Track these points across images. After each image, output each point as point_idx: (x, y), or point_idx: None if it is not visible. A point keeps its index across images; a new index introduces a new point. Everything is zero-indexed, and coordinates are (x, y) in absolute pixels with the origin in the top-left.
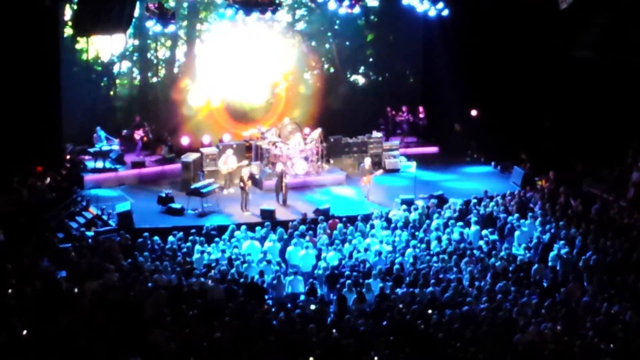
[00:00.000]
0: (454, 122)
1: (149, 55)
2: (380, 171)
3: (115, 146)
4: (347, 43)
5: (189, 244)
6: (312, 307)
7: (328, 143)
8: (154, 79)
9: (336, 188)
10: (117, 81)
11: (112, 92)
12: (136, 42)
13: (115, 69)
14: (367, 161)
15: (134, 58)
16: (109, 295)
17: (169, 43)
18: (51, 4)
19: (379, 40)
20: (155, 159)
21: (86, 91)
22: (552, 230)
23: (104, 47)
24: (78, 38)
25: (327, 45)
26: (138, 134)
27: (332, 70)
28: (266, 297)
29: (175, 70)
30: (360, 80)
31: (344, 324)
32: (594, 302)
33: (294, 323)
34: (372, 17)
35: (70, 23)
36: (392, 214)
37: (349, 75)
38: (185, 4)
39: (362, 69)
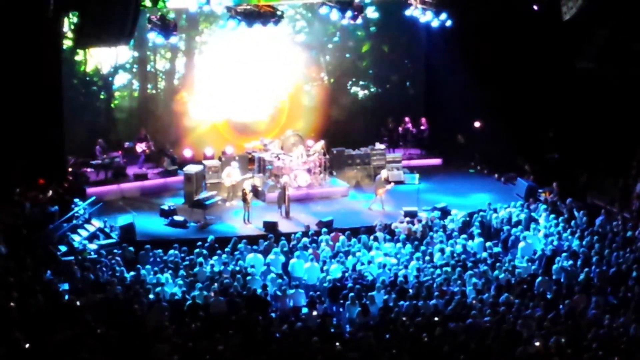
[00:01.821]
0: (457, 134)
1: (148, 67)
2: (392, 184)
3: (117, 159)
4: (347, 55)
5: (192, 256)
6: (314, 313)
7: (331, 155)
8: (154, 91)
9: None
10: (117, 93)
11: (112, 104)
12: (136, 54)
13: (115, 80)
14: (384, 173)
15: (134, 70)
16: (111, 308)
17: (168, 55)
18: (53, 16)
19: (380, 51)
20: (157, 171)
21: (86, 103)
22: (556, 242)
23: (103, 59)
24: (77, 50)
25: (327, 57)
26: (140, 147)
27: (332, 81)
28: (269, 309)
29: (176, 82)
30: (362, 92)
31: (347, 337)
32: (598, 314)
33: (297, 336)
34: (372, 28)
35: (69, 35)
36: (395, 226)
37: (349, 87)
38: (184, 16)
39: (364, 81)
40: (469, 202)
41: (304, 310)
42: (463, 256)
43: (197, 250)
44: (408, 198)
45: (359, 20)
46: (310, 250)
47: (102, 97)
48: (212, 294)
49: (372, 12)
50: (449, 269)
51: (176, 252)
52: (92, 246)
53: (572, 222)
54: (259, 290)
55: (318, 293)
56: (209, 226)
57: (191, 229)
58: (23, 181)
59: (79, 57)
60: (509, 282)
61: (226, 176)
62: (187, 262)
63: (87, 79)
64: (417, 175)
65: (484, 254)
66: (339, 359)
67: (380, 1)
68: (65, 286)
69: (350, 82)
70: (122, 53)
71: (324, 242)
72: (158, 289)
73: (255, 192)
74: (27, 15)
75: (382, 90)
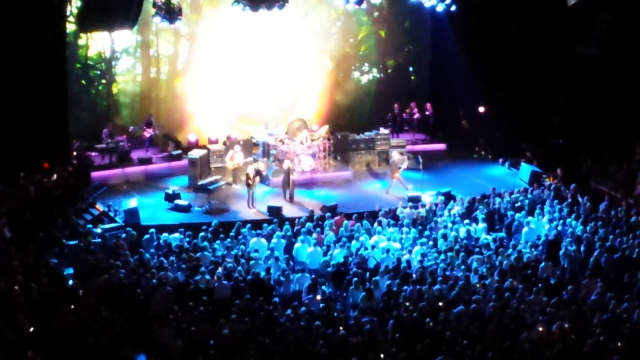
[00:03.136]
0: (461, 119)
1: (151, 51)
2: (406, 164)
3: (122, 143)
4: (351, 40)
5: (196, 240)
6: (318, 297)
7: (335, 140)
8: (158, 75)
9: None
10: (120, 78)
11: (115, 89)
12: (139, 38)
13: (119, 65)
14: (396, 155)
15: (137, 54)
16: (115, 292)
17: (172, 39)
18: (58, 0)
19: (384, 36)
20: (162, 155)
21: (90, 88)
22: (560, 228)
23: (106, 43)
24: (80, 34)
25: (331, 42)
26: (148, 132)
27: (336, 66)
28: (273, 294)
29: (179, 66)
30: (366, 77)
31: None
32: (602, 300)
33: (301, 320)
34: (376, 13)
35: (72, 19)
36: (400, 211)
37: (353, 72)
38: (188, 0)
39: (367, 66)
40: (473, 187)
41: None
42: (465, 242)
43: (201, 234)
44: (412, 183)
45: (364, 5)
46: (314, 235)
47: (105, 81)
48: (216, 279)
49: None
50: (452, 254)
51: (180, 236)
52: (97, 230)
53: (576, 208)
54: (262, 274)
55: (313, 276)
56: (213, 211)
57: (195, 213)
58: (28, 165)
59: (82, 41)
60: (513, 267)
61: (229, 159)
62: (190, 247)
63: (91, 63)
64: (420, 160)
65: (488, 239)
66: (342, 344)
67: None
68: (70, 270)
69: (353, 67)
70: (126, 37)
71: (328, 226)
72: (162, 273)
73: (260, 176)
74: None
75: (386, 76)
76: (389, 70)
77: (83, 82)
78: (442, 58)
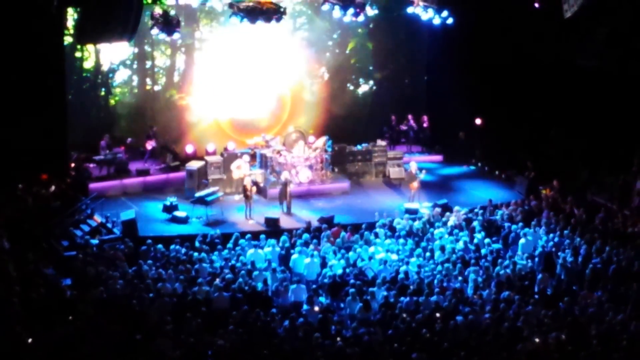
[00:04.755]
0: (458, 131)
1: (148, 63)
2: (424, 172)
3: (120, 154)
4: (347, 52)
5: (193, 252)
6: (316, 308)
7: (332, 151)
8: (155, 87)
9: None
10: (118, 89)
11: (113, 100)
12: (136, 50)
13: (116, 76)
14: (413, 165)
15: (134, 66)
16: (113, 303)
17: (169, 51)
18: (57, 12)
19: (381, 48)
20: (160, 167)
21: (88, 99)
22: (556, 239)
23: (103, 55)
24: (78, 46)
25: (327, 54)
26: (150, 144)
27: (332, 78)
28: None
29: (176, 78)
30: (363, 88)
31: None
32: (598, 311)
33: (298, 331)
34: (371, 25)
35: (70, 31)
36: (397, 222)
37: (350, 84)
38: (183, 12)
39: (364, 78)
40: (470, 199)
41: (305, 306)
42: (461, 253)
43: (198, 245)
44: (408, 195)
45: (361, 18)
46: (311, 246)
47: (102, 93)
48: (214, 290)
49: (372, 10)
50: (449, 265)
51: (178, 247)
52: (94, 241)
53: (573, 219)
54: (259, 286)
55: (314, 286)
56: (211, 223)
57: (193, 224)
58: (26, 176)
59: (79, 53)
60: (510, 278)
61: (235, 168)
62: (188, 258)
63: (88, 75)
64: (423, 171)
65: (485, 251)
66: (339, 355)
67: None
68: (68, 281)
69: (350, 79)
70: (122, 49)
71: (325, 238)
72: (159, 284)
73: (257, 188)
74: (30, 10)
75: (382, 87)
76: (385, 83)
77: (80, 93)
78: (439, 69)
